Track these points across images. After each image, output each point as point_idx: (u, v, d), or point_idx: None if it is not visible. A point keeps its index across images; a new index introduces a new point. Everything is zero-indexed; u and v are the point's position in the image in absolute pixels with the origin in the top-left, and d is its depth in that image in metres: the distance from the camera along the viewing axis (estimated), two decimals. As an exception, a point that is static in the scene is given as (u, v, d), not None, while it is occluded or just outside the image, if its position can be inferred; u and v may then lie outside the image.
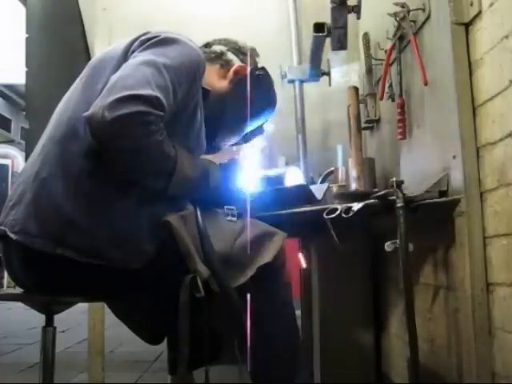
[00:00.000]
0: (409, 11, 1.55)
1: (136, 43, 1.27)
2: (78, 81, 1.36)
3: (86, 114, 1.13)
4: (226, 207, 1.36)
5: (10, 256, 1.27)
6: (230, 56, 1.52)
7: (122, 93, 1.11)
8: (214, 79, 1.47)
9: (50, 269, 1.20)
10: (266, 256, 1.29)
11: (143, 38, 1.28)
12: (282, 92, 2.39)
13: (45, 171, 1.22)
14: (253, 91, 1.46)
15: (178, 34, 1.30)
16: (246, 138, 1.61)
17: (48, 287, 1.24)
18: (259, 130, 1.61)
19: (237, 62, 1.51)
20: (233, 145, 1.63)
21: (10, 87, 11.51)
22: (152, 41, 1.26)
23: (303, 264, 1.26)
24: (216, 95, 1.42)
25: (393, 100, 1.68)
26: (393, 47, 1.66)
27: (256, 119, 1.55)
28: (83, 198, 1.18)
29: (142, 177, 1.21)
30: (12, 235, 1.20)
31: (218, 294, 1.21)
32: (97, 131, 1.12)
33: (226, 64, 1.50)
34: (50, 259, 1.17)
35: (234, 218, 1.35)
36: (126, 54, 1.27)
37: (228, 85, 1.48)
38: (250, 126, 1.56)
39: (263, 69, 1.54)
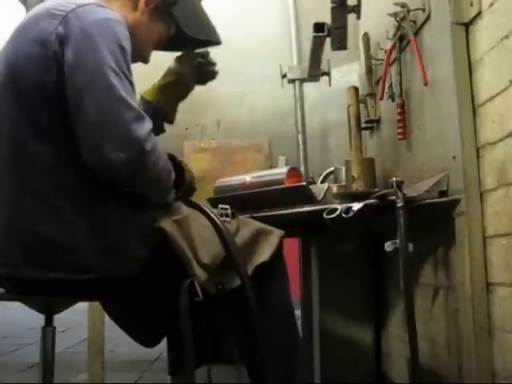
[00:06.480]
0: (409, 11, 1.54)
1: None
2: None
3: (88, 159, 1.11)
4: (220, 207, 1.35)
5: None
6: None
7: (117, 132, 1.08)
8: (125, 14, 1.30)
9: (43, 289, 1.16)
10: (263, 255, 1.28)
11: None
12: (282, 92, 2.40)
13: (9, 198, 1.16)
14: (173, 17, 1.38)
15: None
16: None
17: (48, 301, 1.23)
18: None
19: None
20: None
21: (10, 87, 11.51)
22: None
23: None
24: (131, 31, 1.24)
25: (393, 100, 1.68)
26: (393, 47, 1.65)
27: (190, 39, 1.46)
28: (60, 216, 1.13)
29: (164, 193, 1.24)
30: None
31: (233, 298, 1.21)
32: (112, 175, 1.13)
33: None
34: (42, 283, 1.14)
35: (228, 218, 1.33)
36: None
37: (140, 17, 1.35)
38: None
39: None
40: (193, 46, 1.56)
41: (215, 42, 1.56)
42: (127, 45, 1.17)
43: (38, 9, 1.22)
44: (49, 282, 1.13)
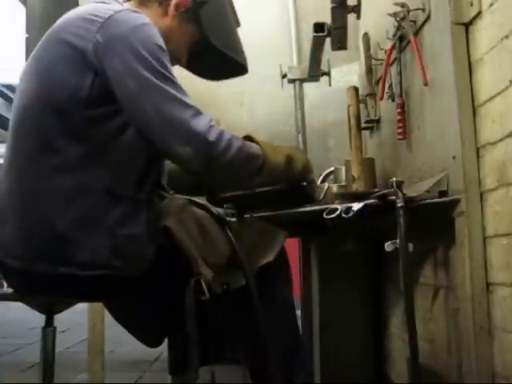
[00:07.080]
0: (409, 11, 1.54)
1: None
2: (26, 80, 1.24)
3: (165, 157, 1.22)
4: (225, 206, 1.36)
5: (7, 276, 1.24)
6: None
7: (179, 130, 1.15)
8: (156, 20, 1.30)
9: (51, 286, 1.17)
10: (268, 255, 1.29)
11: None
12: (282, 92, 2.40)
13: (29, 194, 1.17)
14: (201, 20, 1.37)
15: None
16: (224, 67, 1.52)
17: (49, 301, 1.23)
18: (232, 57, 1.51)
19: None
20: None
21: (9, 87, 11.51)
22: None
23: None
24: (164, 36, 1.26)
25: (393, 100, 1.68)
26: (393, 47, 1.65)
27: (220, 43, 1.44)
28: (75, 211, 1.14)
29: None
30: (9, 261, 1.17)
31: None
32: (188, 169, 1.24)
33: (164, 0, 1.36)
34: (51, 277, 1.15)
35: (234, 219, 1.34)
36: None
37: (171, 22, 1.36)
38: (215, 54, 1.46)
39: None
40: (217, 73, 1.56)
41: (241, 65, 1.54)
42: (163, 45, 1.21)
43: (71, 14, 1.24)
44: (58, 277, 1.14)
